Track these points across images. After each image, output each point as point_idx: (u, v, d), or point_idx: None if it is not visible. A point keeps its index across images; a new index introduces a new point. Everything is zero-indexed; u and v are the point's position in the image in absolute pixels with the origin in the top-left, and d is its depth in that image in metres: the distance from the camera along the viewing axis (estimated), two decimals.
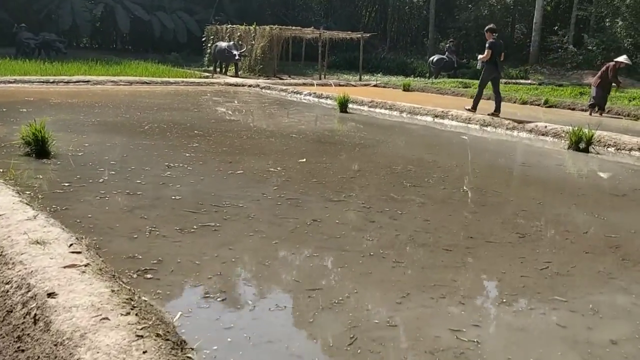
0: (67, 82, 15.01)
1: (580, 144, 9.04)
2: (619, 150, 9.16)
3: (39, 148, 6.57)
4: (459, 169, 7.19)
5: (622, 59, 13.89)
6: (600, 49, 30.34)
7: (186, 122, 9.80)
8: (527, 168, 7.57)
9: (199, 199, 5.21)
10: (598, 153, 9.03)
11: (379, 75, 27.77)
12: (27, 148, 6.60)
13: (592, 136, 9.00)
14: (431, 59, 26.25)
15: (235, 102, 14.09)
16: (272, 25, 22.72)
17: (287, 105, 13.81)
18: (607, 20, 31.35)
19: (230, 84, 17.88)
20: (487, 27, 11.74)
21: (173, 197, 5.21)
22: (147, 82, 16.36)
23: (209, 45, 25.33)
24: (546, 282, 3.72)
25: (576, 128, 9.13)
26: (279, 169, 6.66)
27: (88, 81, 15.42)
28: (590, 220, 5.28)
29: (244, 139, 8.55)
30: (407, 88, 19.94)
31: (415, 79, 24.94)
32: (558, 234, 4.80)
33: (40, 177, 5.69)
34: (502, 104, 11.84)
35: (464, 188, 6.16)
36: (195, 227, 4.42)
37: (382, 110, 13.49)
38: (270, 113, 12.02)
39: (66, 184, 5.43)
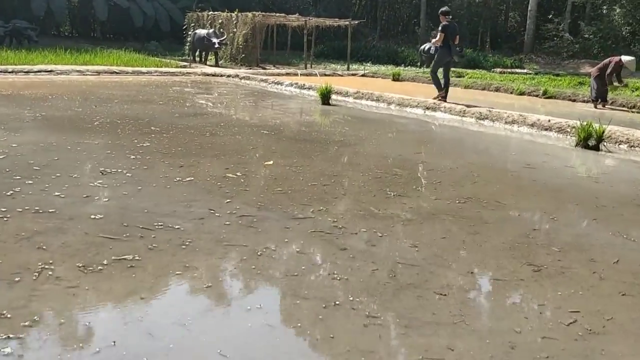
0: (28, 72, 13.80)
1: (590, 140, 7.99)
2: (632, 148, 8.12)
3: None
4: (453, 173, 6.11)
5: (627, 60, 12.73)
6: (597, 37, 29.34)
7: (145, 117, 8.65)
8: (532, 171, 6.50)
9: (126, 218, 4.10)
10: (609, 151, 7.98)
11: (368, 64, 26.68)
12: None
13: (603, 132, 7.95)
14: (422, 47, 25.09)
15: (209, 93, 12.93)
16: (254, 12, 21.50)
17: (265, 97, 12.68)
18: (605, 7, 30.33)
19: (208, 74, 16.71)
20: (440, 10, 11.43)
21: (92, 217, 4.09)
22: (116, 72, 15.17)
23: (190, 33, 24.12)
24: (578, 348, 2.65)
25: (585, 123, 8.07)
26: (238, 174, 5.56)
27: (51, 71, 14.21)
28: (618, 242, 4.21)
29: (206, 137, 7.43)
30: (396, 78, 18.89)
31: (406, 68, 23.87)
32: (581, 264, 3.73)
33: None
34: (502, 94, 10.76)
35: (460, 198, 5.08)
36: (105, 262, 3.32)
37: (369, 102, 12.39)
38: (244, 106, 10.89)
39: None
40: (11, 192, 4.55)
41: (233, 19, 21.74)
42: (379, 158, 6.71)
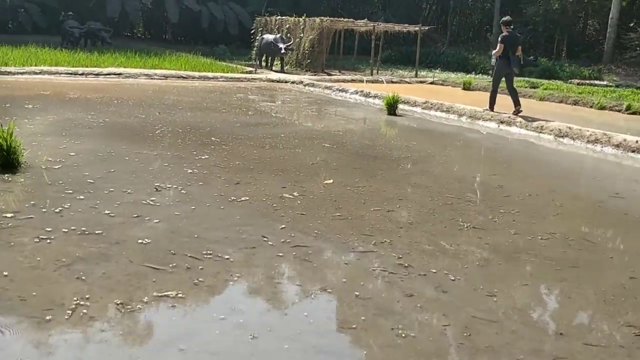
0: (97, 75, 14.01)
1: None
2: None
3: (4, 159, 5.33)
4: (533, 201, 5.53)
5: None
6: None
7: (206, 126, 8.46)
8: (622, 201, 5.83)
9: (174, 244, 3.81)
10: None
11: (437, 71, 25.92)
12: None
13: None
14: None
15: (272, 101, 12.71)
16: (322, 17, 21.22)
17: (328, 106, 12.33)
18: None
19: (273, 80, 16.53)
20: (502, 20, 11.06)
21: (140, 241, 3.82)
22: (183, 77, 15.21)
23: (257, 38, 24.14)
24: None
25: None
26: (295, 194, 5.20)
27: (120, 74, 14.38)
28: None
29: (266, 150, 7.13)
30: (467, 87, 18.12)
31: (477, 76, 22.99)
32: None
33: None
34: (580, 108, 9.98)
35: (543, 234, 4.53)
36: (145, 299, 3.02)
37: (438, 113, 11.82)
38: (307, 115, 10.57)
39: (9, 215, 4.13)
40: (60, 208, 4.36)
41: (300, 24, 21.55)
42: (449, 180, 6.20)
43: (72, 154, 6.12)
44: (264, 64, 20.86)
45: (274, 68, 20.29)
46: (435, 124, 10.75)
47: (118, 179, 5.31)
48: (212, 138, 7.61)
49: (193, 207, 4.64)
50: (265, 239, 4.02)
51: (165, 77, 14.96)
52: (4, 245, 3.63)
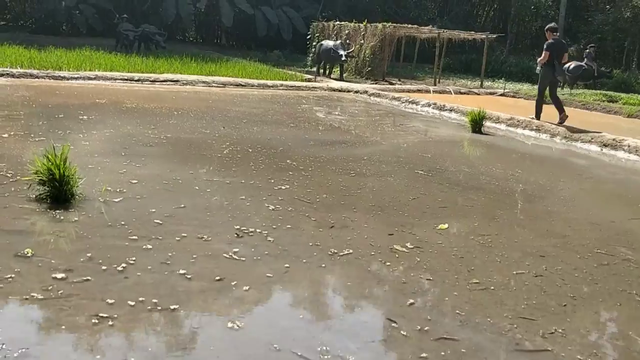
0: (154, 81, 13.27)
1: None
2: None
3: (56, 191, 4.44)
4: None
5: None
6: None
7: (277, 145, 7.49)
8: None
9: (274, 333, 2.81)
10: None
11: (501, 81, 24.53)
12: (42, 188, 4.50)
13: None
14: (567, 65, 22.49)
15: (339, 113, 11.69)
16: (384, 23, 20.14)
17: (401, 120, 11.23)
18: None
19: (335, 89, 15.53)
20: (547, 26, 10.88)
21: (229, 325, 2.83)
22: (242, 85, 14.35)
23: (314, 44, 23.23)
24: None
25: None
26: (409, 245, 4.15)
27: (177, 81, 13.62)
28: None
29: (352, 177, 6.09)
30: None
31: None
32: None
33: (26, 254, 3.50)
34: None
35: None
36: None
37: (526, 132, 10.58)
38: (383, 132, 9.50)
39: (60, 276, 3.21)
40: (124, 265, 3.41)
41: (361, 30, 20.52)
42: (585, 226, 5.04)
43: (134, 181, 5.22)
44: (321, 70, 19.89)
45: (332, 75, 19.30)
46: (530, 146, 9.52)
47: (190, 219, 4.36)
48: (288, 161, 6.62)
49: (287, 266, 3.64)
50: (394, 325, 2.98)
51: (223, 84, 14.12)
52: (52, 331, 2.69)
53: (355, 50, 19.49)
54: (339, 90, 15.49)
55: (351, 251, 3.96)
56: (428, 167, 6.87)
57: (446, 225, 4.68)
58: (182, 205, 4.66)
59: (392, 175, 6.35)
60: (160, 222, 4.22)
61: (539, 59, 10.89)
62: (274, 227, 4.34)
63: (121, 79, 12.98)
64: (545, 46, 10.43)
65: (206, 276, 3.39)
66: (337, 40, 20.30)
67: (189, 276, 3.36)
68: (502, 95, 18.20)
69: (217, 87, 13.88)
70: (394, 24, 20.36)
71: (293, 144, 7.64)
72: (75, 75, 12.57)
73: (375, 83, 18.59)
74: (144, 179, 5.34)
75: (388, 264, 3.80)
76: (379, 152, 7.65)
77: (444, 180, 6.31)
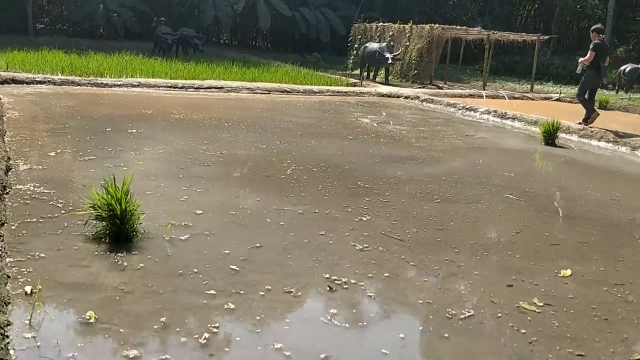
0: (197, 88, 12.74)
1: None
2: None
3: (117, 229, 3.84)
4: None
5: None
6: None
7: (342, 162, 6.82)
8: None
9: None
10: None
11: (549, 83, 23.49)
12: (100, 224, 3.90)
13: None
14: (622, 68, 21.38)
15: (396, 122, 10.95)
16: (432, 24, 19.32)
17: (464, 129, 10.45)
18: None
19: (383, 95, 14.80)
20: (593, 27, 10.61)
21: None
22: (287, 91, 13.73)
23: (356, 46, 22.52)
24: None
25: None
26: (537, 302, 3.43)
27: (221, 88, 13.06)
28: None
29: (437, 203, 5.38)
30: (603, 106, 15.71)
31: (605, 92, 20.31)
32: None
33: (88, 319, 2.88)
34: None
35: None
36: None
37: (602, 144, 9.71)
38: (451, 145, 8.73)
39: (132, 354, 2.58)
40: (206, 335, 2.77)
41: (406, 31, 19.73)
42: None
43: (198, 211, 4.59)
44: (365, 74, 19.16)
45: (377, 79, 18.56)
46: (614, 162, 8.67)
47: (270, 264, 3.71)
48: (359, 182, 5.93)
49: (402, 336, 2.95)
50: None
51: (268, 91, 13.52)
52: None
53: (401, 52, 18.70)
54: (388, 96, 14.76)
55: (472, 312, 3.26)
56: (517, 190, 6.11)
57: (569, 272, 3.94)
58: (258, 245, 4.02)
59: (482, 202, 5.61)
60: (238, 269, 3.58)
61: (580, 59, 10.59)
62: (370, 275, 3.66)
63: (165, 86, 12.47)
64: (591, 46, 10.19)
65: (308, 352, 2.74)
66: (380, 42, 19.57)
67: (287, 353, 2.70)
68: (557, 100, 17.24)
69: (262, 93, 13.28)
70: (442, 26, 19.52)
71: (358, 161, 6.96)
72: (118, 83, 12.11)
73: (423, 87, 17.80)
74: (209, 208, 4.71)
75: (523, 331, 3.09)
76: (455, 171, 6.91)
77: (541, 208, 5.55)
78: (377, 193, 5.58)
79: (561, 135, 10.09)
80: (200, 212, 4.60)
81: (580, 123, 10.59)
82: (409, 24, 19.81)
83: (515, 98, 16.60)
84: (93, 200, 3.93)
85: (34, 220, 4.14)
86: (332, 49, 28.68)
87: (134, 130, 7.66)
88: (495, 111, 12.28)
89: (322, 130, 9.04)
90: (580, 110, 11.00)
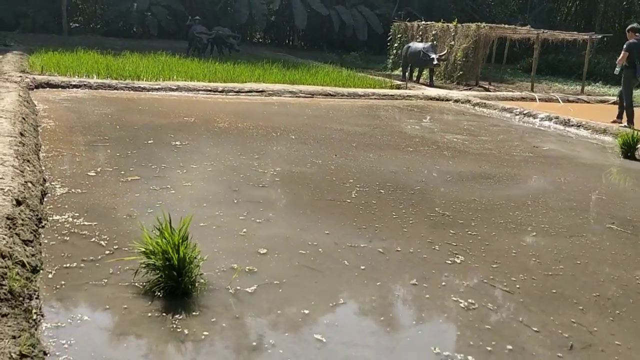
0: (238, 92, 12.10)
1: None
2: None
3: (173, 282, 3.16)
4: None
5: None
6: None
7: (410, 182, 6.08)
8: None
9: None
10: None
11: (598, 84, 22.31)
12: (153, 275, 3.23)
13: None
14: None
15: (455, 131, 10.12)
16: (478, 23, 18.38)
17: (530, 139, 9.58)
18: None
19: (432, 98, 13.98)
20: (629, 27, 10.61)
21: None
22: (331, 94, 13.01)
23: (395, 45, 21.70)
24: None
25: None
26: None
27: (262, 91, 12.40)
28: None
29: (533, 237, 4.62)
30: None
31: None
32: None
33: None
34: None
35: None
36: None
37: None
38: (522, 159, 7.87)
39: None
40: None
41: (451, 30, 18.83)
42: None
43: (262, 250, 3.90)
44: (407, 75, 18.32)
45: (421, 80, 17.70)
46: None
47: (362, 333, 3.00)
48: (436, 209, 5.18)
49: None
50: None
51: (311, 94, 12.82)
52: None
53: (447, 53, 17.82)
54: (437, 99, 13.93)
55: None
56: (617, 219, 5.28)
57: None
58: (341, 301, 3.31)
59: (583, 234, 4.81)
60: (324, 340, 2.88)
61: (618, 59, 10.47)
62: (489, 348, 2.92)
63: (204, 90, 11.86)
64: (625, 46, 10.16)
65: None
66: (423, 41, 18.72)
67: None
68: (614, 103, 16.16)
69: (304, 97, 12.59)
70: (490, 25, 18.56)
71: (428, 180, 6.20)
72: (156, 86, 11.53)
73: (469, 89, 16.90)
74: (274, 246, 4.02)
75: None
76: (539, 192, 6.11)
77: None
78: (462, 224, 4.82)
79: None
80: (265, 251, 3.91)
81: (618, 122, 10.50)
82: (454, 23, 18.92)
83: (569, 101, 15.61)
84: (144, 244, 3.26)
85: (74, 264, 3.50)
86: (368, 48, 27.88)
87: (177, 143, 7.02)
88: (557, 118, 11.38)
89: (377, 140, 8.29)
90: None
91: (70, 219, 4.21)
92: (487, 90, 16.98)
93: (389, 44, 22.50)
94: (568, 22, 36.57)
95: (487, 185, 6.22)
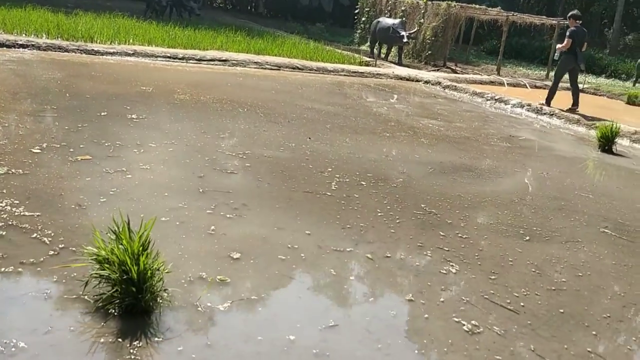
0: (199, 60, 11.35)
1: None
2: None
3: (132, 298, 2.63)
4: None
5: None
6: None
7: (391, 171, 5.64)
8: None
9: None
10: None
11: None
12: (108, 290, 2.67)
13: None
14: None
15: (427, 115, 9.71)
16: (449, 2, 17.95)
17: (502, 127, 9.27)
18: None
19: (402, 78, 13.54)
20: (570, 14, 11.02)
21: None
22: (299, 68, 12.39)
23: (363, 19, 21.08)
24: None
25: None
26: None
27: (225, 60, 11.68)
28: None
29: (526, 242, 4.24)
30: (632, 101, 14.65)
31: (627, 84, 19.25)
32: None
33: None
34: None
35: None
36: None
37: None
38: (500, 149, 7.53)
39: None
40: None
41: (421, 7, 18.34)
42: None
43: (235, 255, 3.39)
44: (375, 51, 17.80)
45: (389, 58, 17.22)
46: None
47: None
48: (422, 205, 4.76)
49: None
50: None
51: (278, 67, 12.18)
52: None
53: (417, 31, 17.36)
54: (407, 79, 13.50)
55: None
56: (609, 221, 4.99)
57: None
58: (331, 323, 2.84)
59: (578, 239, 4.48)
60: None
61: (558, 46, 10.79)
62: None
63: (163, 56, 11.07)
64: (567, 33, 10.41)
65: None
66: (392, 17, 18.20)
67: None
68: (581, 91, 16.09)
69: (271, 69, 11.95)
70: (462, 4, 18.15)
71: (409, 172, 5.77)
72: (111, 50, 10.68)
73: (437, 70, 16.55)
74: (248, 249, 3.51)
75: None
76: (525, 189, 5.77)
77: None
78: (451, 224, 4.41)
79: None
80: (238, 255, 3.40)
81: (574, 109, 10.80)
82: (424, 0, 18.43)
83: (537, 87, 15.46)
84: (97, 248, 2.70)
85: (11, 268, 2.91)
86: (334, 20, 27.19)
87: (134, 116, 6.35)
88: (529, 105, 11.13)
89: (352, 123, 7.80)
90: (606, 105, 10.37)
91: (9, 208, 3.59)
92: (455, 71, 16.66)
93: (356, 17, 21.85)
94: (532, 6, 36.66)
95: (470, 178, 5.84)
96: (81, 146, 5.03)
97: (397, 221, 4.33)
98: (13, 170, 4.23)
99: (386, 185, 5.18)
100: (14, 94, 6.65)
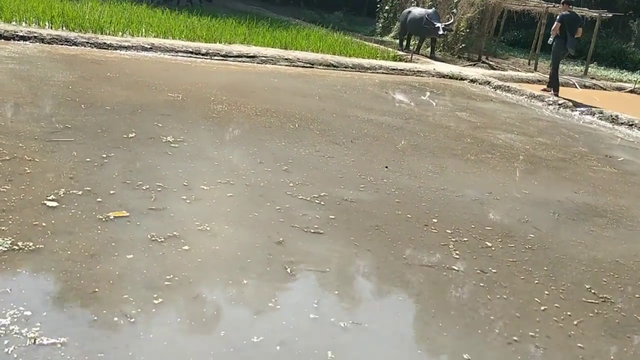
0: (225, 56, 9.96)
1: None
2: None
3: None
4: None
5: None
6: None
7: (509, 220, 4.32)
8: None
9: None
10: None
11: (593, 65, 20.97)
12: None
13: None
14: None
15: (499, 127, 8.35)
16: None
17: (589, 142, 7.94)
18: None
19: (444, 75, 12.18)
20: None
21: None
22: (333, 65, 11.03)
23: (386, 8, 19.64)
24: None
25: None
26: None
27: (254, 57, 10.30)
28: None
29: None
30: None
31: None
32: None
33: None
34: None
35: None
36: None
37: None
38: (609, 177, 6.22)
39: None
40: None
41: None
42: None
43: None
44: (404, 43, 16.40)
45: (421, 51, 15.81)
46: None
47: None
48: (586, 285, 3.47)
49: None
50: None
51: (311, 64, 10.81)
52: None
53: (454, 22, 15.93)
54: (450, 77, 12.14)
55: None
56: None
57: None
58: None
59: None
60: None
61: (552, 29, 10.69)
62: None
63: (184, 52, 9.67)
64: (558, 17, 10.49)
65: None
66: (418, 6, 16.81)
67: None
68: (631, 91, 14.79)
69: (303, 66, 10.60)
70: None
71: (531, 219, 4.44)
72: (126, 44, 9.27)
73: (474, 65, 15.20)
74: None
75: None
76: None
77: None
78: (565, 298, 3.10)
79: None
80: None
81: (544, 90, 11.03)
82: None
83: (586, 87, 14.14)
84: None
85: None
86: (349, 8, 25.67)
87: (169, 139, 4.99)
88: (601, 113, 9.79)
89: (422, 140, 6.45)
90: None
91: (15, 329, 2.26)
92: (493, 67, 15.30)
93: (378, 6, 20.37)
94: None
95: (609, 229, 4.52)
96: (111, 192, 3.69)
97: (574, 322, 3.02)
98: (20, 244, 2.89)
99: (518, 247, 3.87)
100: (16, 106, 5.28)
